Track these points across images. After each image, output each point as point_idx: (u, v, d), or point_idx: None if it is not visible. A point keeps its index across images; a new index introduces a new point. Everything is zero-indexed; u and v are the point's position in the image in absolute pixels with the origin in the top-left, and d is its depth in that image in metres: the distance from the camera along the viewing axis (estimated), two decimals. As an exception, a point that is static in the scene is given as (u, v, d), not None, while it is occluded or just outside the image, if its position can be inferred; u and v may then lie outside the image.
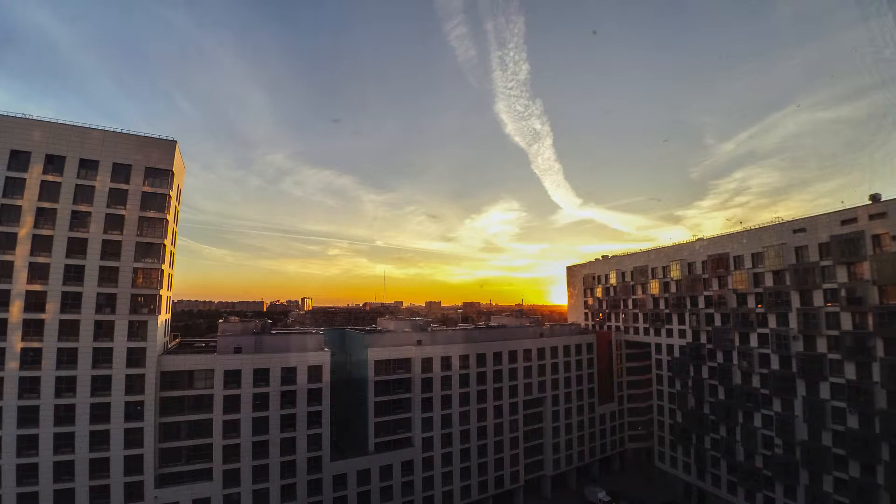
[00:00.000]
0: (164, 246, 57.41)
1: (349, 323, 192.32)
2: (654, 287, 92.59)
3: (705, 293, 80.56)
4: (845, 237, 59.01)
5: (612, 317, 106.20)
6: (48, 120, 53.26)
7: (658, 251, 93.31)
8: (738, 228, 75.16)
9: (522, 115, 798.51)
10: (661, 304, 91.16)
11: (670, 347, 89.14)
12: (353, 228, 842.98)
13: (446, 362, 75.02)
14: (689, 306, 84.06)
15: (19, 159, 51.77)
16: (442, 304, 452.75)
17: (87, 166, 54.37)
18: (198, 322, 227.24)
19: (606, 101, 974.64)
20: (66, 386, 51.42)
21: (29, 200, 51.54)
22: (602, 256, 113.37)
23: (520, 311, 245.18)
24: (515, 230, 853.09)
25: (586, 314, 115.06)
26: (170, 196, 58.53)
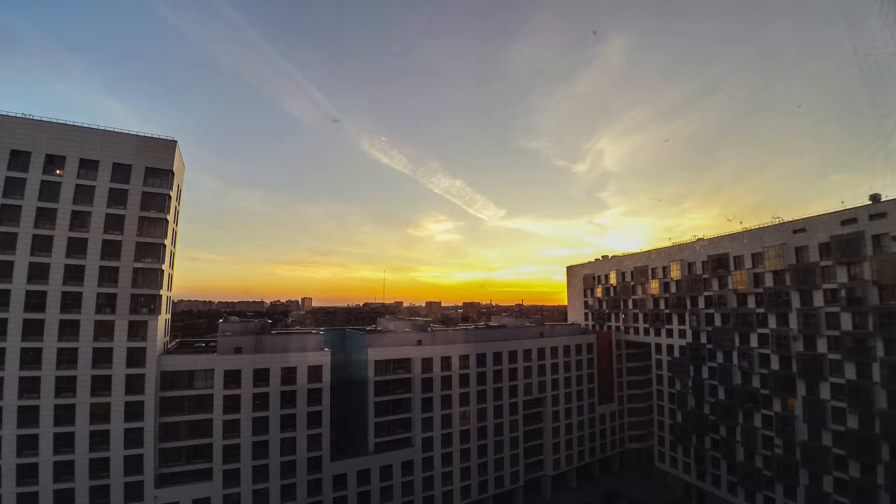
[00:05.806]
0: (165, 246, 57.38)
1: (349, 323, 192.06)
2: (654, 287, 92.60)
3: (705, 293, 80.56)
4: (845, 237, 59.01)
5: (612, 317, 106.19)
6: (48, 120, 53.27)
7: (658, 251, 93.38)
8: (739, 228, 75.34)
9: (390, 144, 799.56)
10: (661, 304, 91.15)
11: (670, 347, 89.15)
12: (319, 235, 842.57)
13: (446, 362, 75.00)
14: (689, 306, 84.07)
15: (19, 159, 51.73)
16: (442, 304, 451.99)
17: (87, 166, 54.27)
18: (198, 322, 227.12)
19: (454, 122, 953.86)
20: (66, 386, 51.35)
21: (29, 200, 51.51)
22: (602, 256, 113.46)
23: (520, 311, 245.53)
24: (460, 238, 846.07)
25: (586, 314, 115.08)
26: (170, 196, 58.50)
